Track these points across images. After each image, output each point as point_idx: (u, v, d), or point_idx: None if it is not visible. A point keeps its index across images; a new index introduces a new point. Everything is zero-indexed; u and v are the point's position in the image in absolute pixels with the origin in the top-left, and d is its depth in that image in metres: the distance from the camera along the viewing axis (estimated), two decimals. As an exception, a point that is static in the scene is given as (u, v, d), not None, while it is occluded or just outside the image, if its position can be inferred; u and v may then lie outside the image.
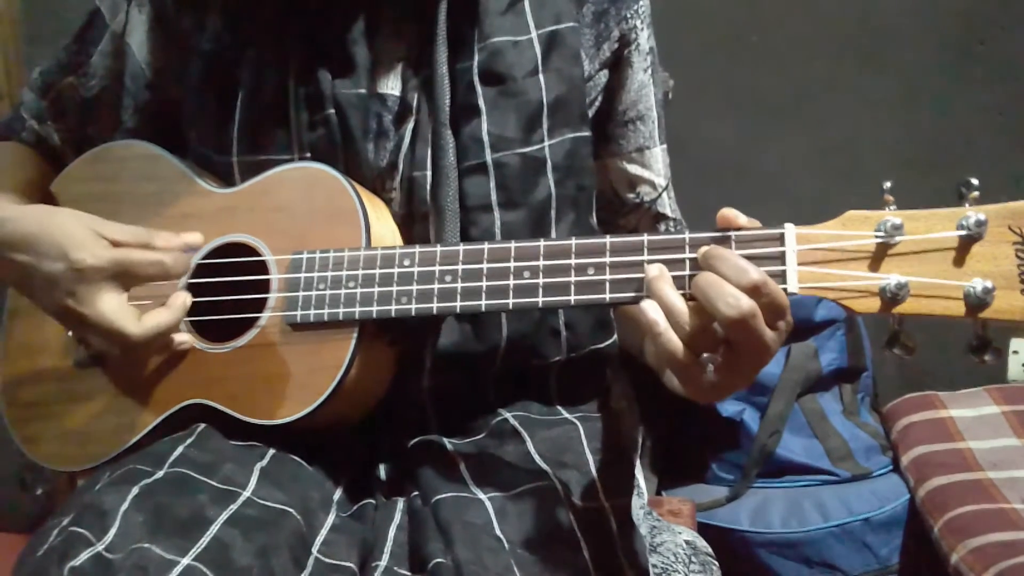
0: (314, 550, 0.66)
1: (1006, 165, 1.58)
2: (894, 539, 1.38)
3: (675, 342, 0.58)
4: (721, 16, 1.67)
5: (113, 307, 0.69)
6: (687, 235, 0.62)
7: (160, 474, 0.64)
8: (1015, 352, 1.65)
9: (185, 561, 0.57)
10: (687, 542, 0.97)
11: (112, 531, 0.58)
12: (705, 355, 0.58)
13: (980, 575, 1.13)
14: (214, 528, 0.61)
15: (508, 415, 0.79)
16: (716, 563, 0.97)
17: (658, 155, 0.87)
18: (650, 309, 0.59)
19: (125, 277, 0.70)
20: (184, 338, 0.75)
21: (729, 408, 1.51)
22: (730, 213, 0.61)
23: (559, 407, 0.82)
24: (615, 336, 0.86)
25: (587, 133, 0.81)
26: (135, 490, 0.62)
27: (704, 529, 1.37)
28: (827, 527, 1.37)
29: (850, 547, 1.37)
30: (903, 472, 1.44)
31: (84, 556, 0.56)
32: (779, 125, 1.69)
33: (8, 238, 0.72)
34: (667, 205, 0.89)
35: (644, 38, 0.84)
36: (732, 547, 1.39)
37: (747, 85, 1.68)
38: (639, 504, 0.88)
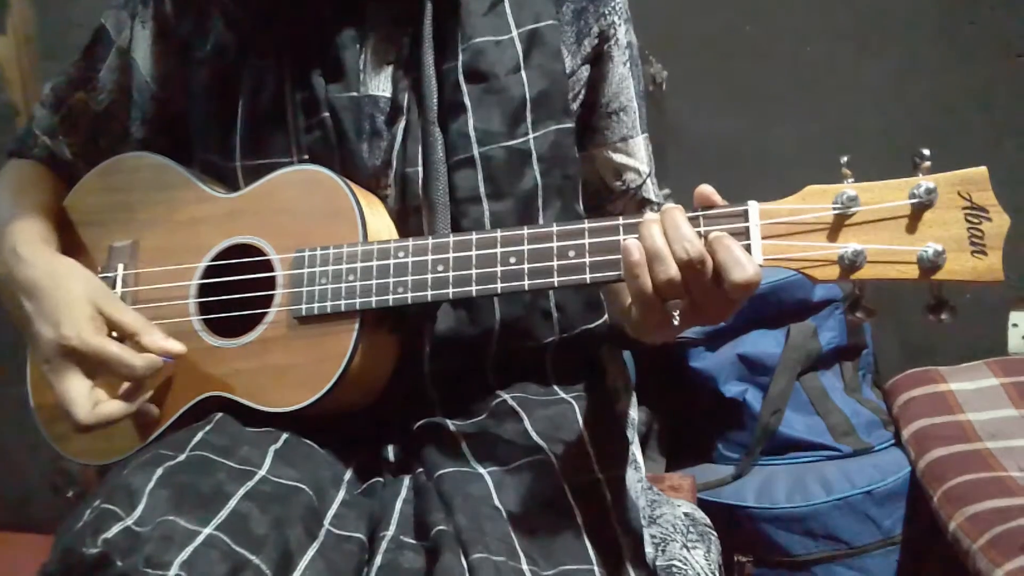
0: (326, 522, 0.70)
1: (997, 142, 1.60)
2: (897, 511, 1.41)
3: (647, 284, 0.62)
4: (714, 7, 1.70)
5: (75, 390, 0.74)
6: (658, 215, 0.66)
7: (182, 457, 0.69)
8: (1015, 325, 1.68)
9: (207, 531, 0.62)
10: (686, 514, 1.01)
11: (140, 507, 0.63)
12: (673, 301, 0.62)
13: (976, 540, 1.16)
14: (232, 502, 0.65)
15: (507, 396, 0.83)
16: (714, 533, 1.01)
17: (641, 144, 0.91)
18: (633, 248, 0.63)
19: (97, 367, 0.75)
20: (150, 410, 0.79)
21: (732, 389, 1.54)
22: (707, 190, 0.65)
23: (555, 387, 0.86)
24: (605, 316, 0.90)
25: (570, 125, 0.85)
26: (160, 471, 0.66)
27: (711, 506, 1.40)
28: (831, 500, 1.40)
29: (853, 519, 1.39)
30: (904, 445, 1.46)
31: (115, 529, 0.61)
32: (774, 112, 1.71)
33: (20, 281, 0.78)
34: (651, 191, 0.93)
35: (622, 33, 0.88)
36: (739, 523, 1.43)
37: (742, 74, 1.71)
38: (636, 478, 0.92)
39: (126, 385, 0.76)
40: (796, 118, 1.70)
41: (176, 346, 0.77)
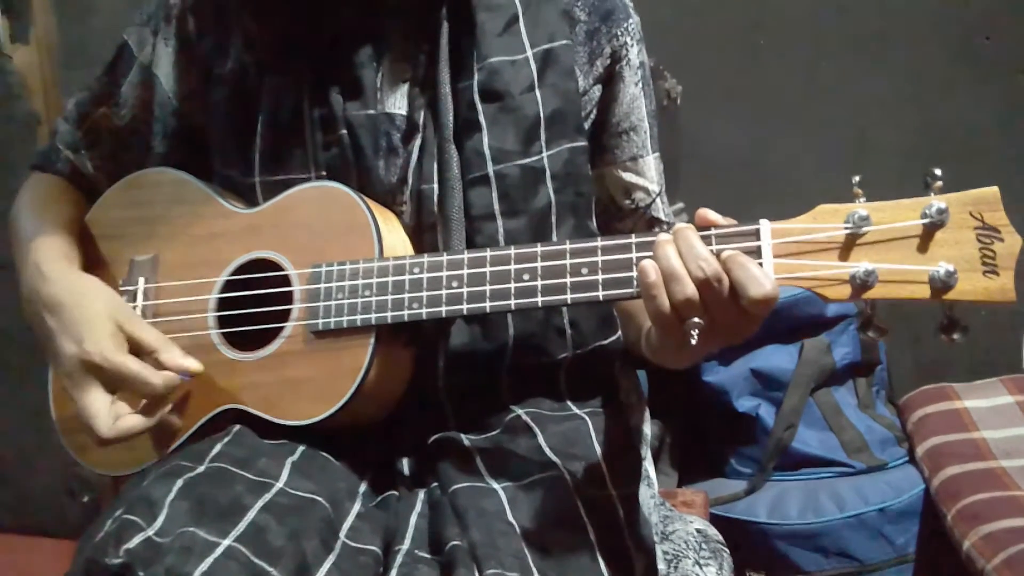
0: (341, 535, 0.71)
1: (1012, 159, 1.60)
2: (910, 528, 1.40)
3: (664, 303, 0.63)
4: (727, 20, 1.71)
5: (96, 404, 0.76)
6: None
7: (201, 468, 0.70)
8: (1030, 342, 1.67)
9: (226, 542, 0.63)
10: (698, 530, 1.01)
11: (161, 518, 0.64)
12: (691, 321, 0.63)
13: (990, 560, 1.16)
14: (251, 514, 0.66)
15: (521, 411, 0.83)
16: (727, 550, 1.01)
17: (651, 163, 0.92)
18: (650, 269, 0.63)
19: (118, 384, 0.76)
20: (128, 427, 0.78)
21: (745, 404, 1.54)
22: (708, 214, 0.66)
23: (569, 403, 0.86)
24: (619, 332, 0.90)
25: (583, 143, 0.85)
26: (179, 482, 0.67)
27: (723, 522, 1.40)
28: (843, 518, 1.40)
29: (866, 537, 1.39)
30: (918, 463, 1.46)
31: (137, 539, 0.62)
32: (787, 125, 1.72)
33: (43, 298, 0.79)
34: (661, 210, 0.93)
35: (634, 54, 0.89)
36: (751, 539, 1.43)
37: (755, 86, 1.72)
38: (649, 494, 0.92)
39: (145, 401, 0.77)
40: (810, 132, 1.71)
41: (193, 364, 0.79)
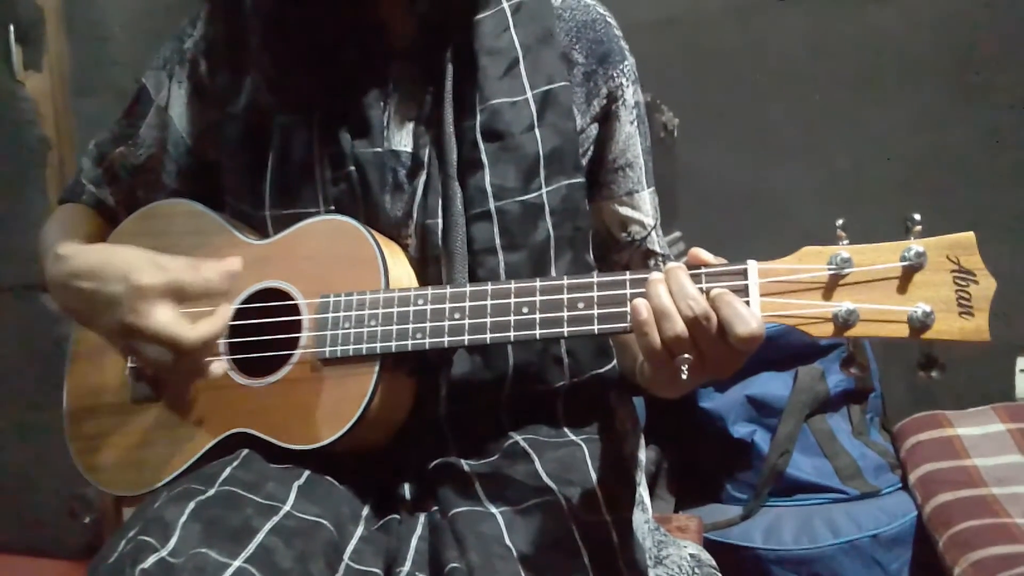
0: (345, 557, 0.74)
1: (1003, 189, 1.63)
2: (903, 555, 1.42)
3: (655, 340, 0.66)
4: (723, 56, 1.76)
5: (168, 318, 0.77)
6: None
7: (212, 491, 0.73)
8: (1022, 371, 1.69)
9: (236, 563, 0.66)
10: (692, 555, 1.03)
11: (174, 539, 0.67)
12: (681, 356, 0.66)
13: (980, 586, 1.18)
14: (260, 536, 0.69)
15: (519, 438, 0.86)
16: (719, 575, 1.03)
17: (646, 198, 0.95)
18: (641, 307, 0.67)
19: (177, 294, 0.78)
20: (217, 369, 0.82)
21: (740, 430, 1.57)
22: (700, 253, 0.69)
23: (566, 429, 0.89)
24: (614, 362, 0.93)
25: (581, 179, 0.89)
26: (191, 505, 0.70)
27: (719, 547, 1.42)
28: (837, 543, 1.42)
29: (860, 563, 1.41)
30: (911, 489, 1.48)
31: (151, 560, 0.65)
32: (781, 156, 1.76)
33: (74, 270, 0.82)
34: (656, 242, 0.96)
35: (630, 94, 0.92)
36: (746, 564, 1.45)
37: (750, 120, 1.76)
38: (644, 519, 0.94)
39: (205, 308, 0.79)
40: (803, 164, 1.75)
41: (234, 261, 0.80)
